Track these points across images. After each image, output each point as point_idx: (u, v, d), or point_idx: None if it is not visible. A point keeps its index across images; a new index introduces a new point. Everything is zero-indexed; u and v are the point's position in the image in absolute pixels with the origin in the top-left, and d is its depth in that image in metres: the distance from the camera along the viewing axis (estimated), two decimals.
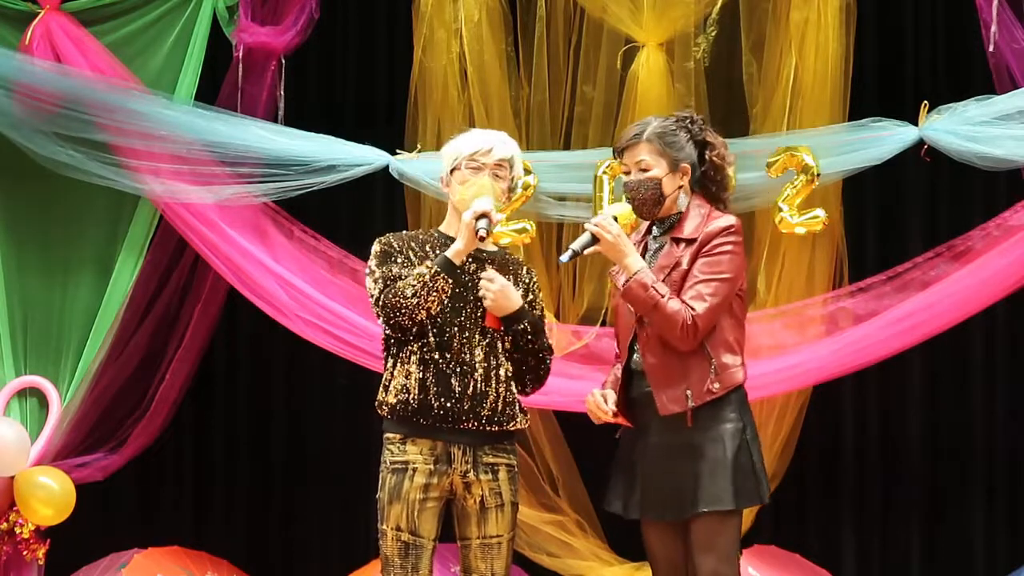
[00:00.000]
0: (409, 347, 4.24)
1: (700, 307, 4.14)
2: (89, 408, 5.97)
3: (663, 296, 4.14)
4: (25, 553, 5.85)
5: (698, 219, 4.26)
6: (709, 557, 4.16)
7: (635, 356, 4.27)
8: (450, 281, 4.18)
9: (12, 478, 5.82)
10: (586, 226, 4.22)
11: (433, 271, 4.17)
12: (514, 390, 4.28)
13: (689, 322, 4.13)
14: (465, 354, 4.21)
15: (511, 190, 4.38)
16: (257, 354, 6.51)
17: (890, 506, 5.97)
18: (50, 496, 5.80)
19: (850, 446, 6.00)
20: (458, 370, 4.20)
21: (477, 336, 4.23)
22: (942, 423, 5.96)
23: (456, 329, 4.22)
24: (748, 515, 5.19)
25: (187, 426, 6.44)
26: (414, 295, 4.16)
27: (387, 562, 4.24)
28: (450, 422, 4.20)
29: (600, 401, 4.28)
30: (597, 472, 5.28)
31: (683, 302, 4.14)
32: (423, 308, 4.17)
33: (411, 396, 4.21)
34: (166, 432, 6.15)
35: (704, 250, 4.21)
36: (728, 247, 4.21)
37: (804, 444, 5.72)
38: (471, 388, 4.20)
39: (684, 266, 4.20)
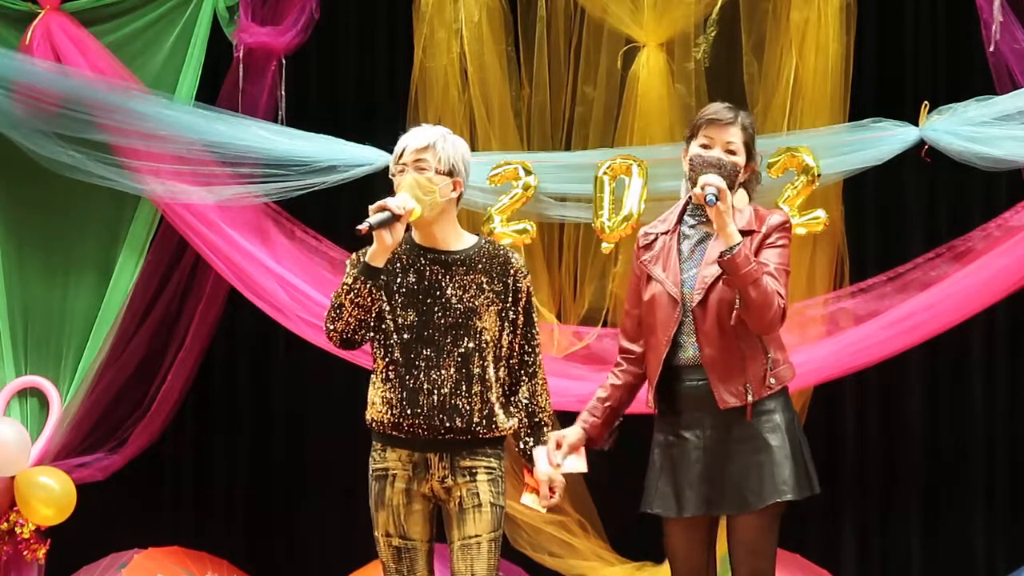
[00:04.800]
0: (380, 364, 4.22)
1: (784, 293, 4.10)
2: (89, 408, 5.97)
3: (763, 273, 4.06)
4: (25, 553, 5.84)
5: (748, 213, 4.22)
6: (751, 554, 4.13)
7: (682, 349, 4.17)
8: (369, 284, 4.11)
9: (12, 478, 5.82)
10: (710, 179, 4.07)
11: (353, 276, 4.14)
12: (494, 399, 4.20)
13: (782, 304, 4.08)
14: (433, 369, 4.16)
15: (451, 172, 4.22)
16: (257, 354, 6.51)
17: (890, 506, 5.98)
18: (50, 496, 5.80)
19: (850, 446, 6.00)
20: (426, 386, 4.16)
21: (446, 349, 4.17)
22: (942, 423, 5.96)
23: (423, 344, 4.18)
24: None
25: (187, 426, 6.44)
26: (339, 304, 4.14)
27: (385, 568, 4.27)
28: (423, 434, 4.17)
29: (552, 450, 4.23)
30: (598, 472, 5.27)
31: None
32: (347, 315, 4.13)
33: (384, 413, 4.19)
34: (166, 432, 6.15)
35: (768, 241, 4.17)
36: (785, 242, 4.21)
37: None
38: (441, 402, 4.15)
39: None
